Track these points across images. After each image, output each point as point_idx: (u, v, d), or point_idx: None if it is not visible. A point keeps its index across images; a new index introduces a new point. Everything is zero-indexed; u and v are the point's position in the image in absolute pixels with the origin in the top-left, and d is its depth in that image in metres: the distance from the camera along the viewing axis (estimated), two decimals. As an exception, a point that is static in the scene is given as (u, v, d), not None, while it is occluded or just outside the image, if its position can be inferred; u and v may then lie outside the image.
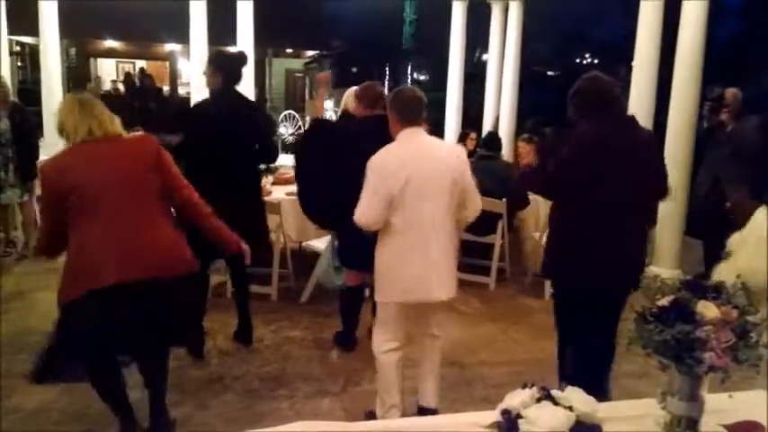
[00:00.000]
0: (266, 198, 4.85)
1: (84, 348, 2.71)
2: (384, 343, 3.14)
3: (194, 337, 4.01)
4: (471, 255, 5.87)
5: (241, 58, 4.10)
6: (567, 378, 3.29)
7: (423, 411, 3.21)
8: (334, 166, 3.70)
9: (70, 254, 2.74)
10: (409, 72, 23.73)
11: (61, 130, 2.83)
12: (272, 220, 4.77)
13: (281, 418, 3.23)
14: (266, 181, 5.56)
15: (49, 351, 2.78)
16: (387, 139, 3.11)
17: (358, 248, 3.36)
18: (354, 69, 15.26)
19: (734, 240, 2.92)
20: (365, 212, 2.98)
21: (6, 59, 7.98)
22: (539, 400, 1.55)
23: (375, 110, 3.82)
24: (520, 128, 8.92)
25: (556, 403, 1.52)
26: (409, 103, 3.09)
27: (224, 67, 3.99)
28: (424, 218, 2.96)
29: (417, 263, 2.99)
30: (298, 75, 20.40)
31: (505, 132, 8.70)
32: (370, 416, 3.25)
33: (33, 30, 8.15)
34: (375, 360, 3.20)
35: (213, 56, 4.11)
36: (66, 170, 2.74)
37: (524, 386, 1.61)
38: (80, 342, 2.69)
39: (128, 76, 17.43)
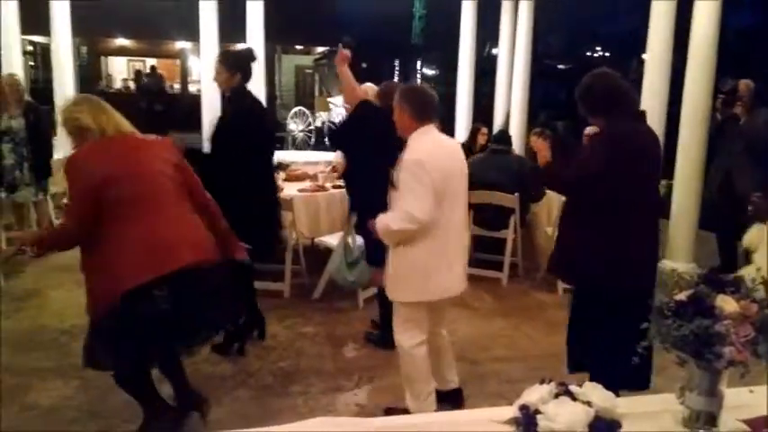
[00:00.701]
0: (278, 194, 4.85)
1: (150, 336, 2.64)
2: (413, 338, 3.13)
3: (254, 317, 4.23)
4: (483, 250, 5.86)
5: (252, 56, 4.06)
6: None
7: (449, 395, 3.32)
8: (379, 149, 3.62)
9: (116, 245, 2.63)
10: (419, 67, 23.65)
11: (79, 128, 2.74)
12: (284, 217, 4.79)
13: (296, 415, 3.23)
14: (277, 177, 5.54)
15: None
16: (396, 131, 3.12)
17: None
18: (364, 65, 15.19)
19: (752, 237, 2.88)
20: (420, 207, 2.83)
21: (19, 59, 8.02)
22: (557, 396, 1.54)
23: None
24: (531, 122, 8.88)
25: (574, 399, 1.50)
26: (427, 101, 3.08)
27: (240, 67, 3.93)
28: (449, 214, 2.96)
29: (447, 261, 3.00)
30: (307, 71, 20.36)
31: (517, 126, 8.66)
32: (390, 411, 3.24)
33: (45, 29, 8.22)
34: (404, 356, 3.16)
35: (226, 56, 4.02)
36: (99, 162, 2.67)
37: (542, 381, 1.60)
38: (146, 329, 2.61)
39: (138, 74, 17.52)
